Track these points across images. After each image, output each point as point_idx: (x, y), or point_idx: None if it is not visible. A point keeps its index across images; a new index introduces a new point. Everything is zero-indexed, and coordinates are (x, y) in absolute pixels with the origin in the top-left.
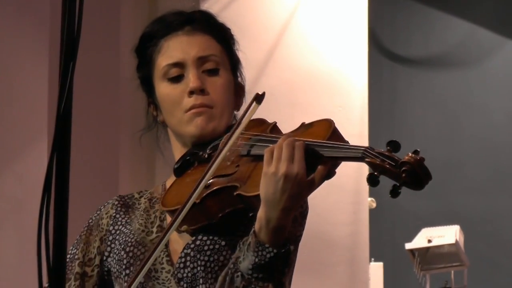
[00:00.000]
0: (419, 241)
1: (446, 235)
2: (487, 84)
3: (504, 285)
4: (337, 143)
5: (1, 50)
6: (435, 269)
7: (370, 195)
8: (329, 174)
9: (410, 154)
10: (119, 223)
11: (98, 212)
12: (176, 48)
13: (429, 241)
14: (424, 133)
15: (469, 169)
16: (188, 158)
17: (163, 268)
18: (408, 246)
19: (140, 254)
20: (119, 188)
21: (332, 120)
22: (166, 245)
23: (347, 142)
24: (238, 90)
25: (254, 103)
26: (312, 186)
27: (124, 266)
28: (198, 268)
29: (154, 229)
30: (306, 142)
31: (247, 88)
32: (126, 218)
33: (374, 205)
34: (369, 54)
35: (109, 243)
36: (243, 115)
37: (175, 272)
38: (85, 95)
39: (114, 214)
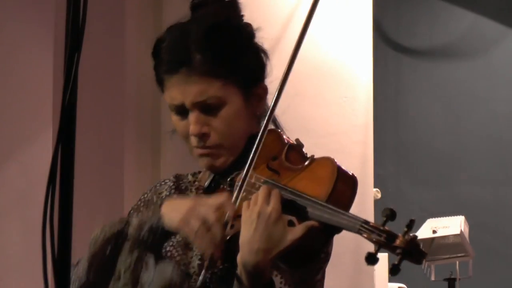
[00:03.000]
0: (424, 231)
1: (451, 225)
2: (492, 75)
3: (509, 275)
4: (333, 209)
5: (6, 41)
6: (440, 260)
7: (375, 185)
8: (318, 237)
9: (400, 238)
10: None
11: (154, 189)
12: (175, 91)
13: (434, 231)
14: (428, 123)
15: (474, 160)
16: (216, 177)
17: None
18: None
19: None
20: (124, 179)
21: (335, 165)
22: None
23: (354, 180)
24: (255, 99)
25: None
26: (293, 236)
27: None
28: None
29: None
30: (286, 189)
31: None
32: None
33: (379, 195)
34: (374, 44)
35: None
36: (252, 156)
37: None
38: (90, 86)
39: (165, 197)
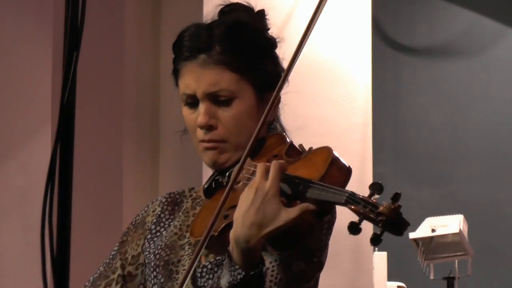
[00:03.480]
0: (423, 230)
1: (450, 224)
2: (491, 73)
3: (508, 274)
4: (322, 185)
5: (5, 40)
6: (439, 259)
7: None
8: (321, 213)
9: (385, 204)
10: (161, 224)
11: (146, 209)
12: (190, 78)
13: (433, 230)
14: (427, 122)
15: (473, 158)
16: (217, 178)
17: (184, 271)
18: (412, 235)
19: (165, 256)
20: (123, 177)
21: (331, 151)
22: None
23: (348, 169)
24: (267, 102)
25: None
26: (288, 216)
27: (151, 269)
28: (211, 280)
29: (187, 234)
30: (287, 175)
31: None
32: (170, 220)
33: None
34: (373, 43)
35: (149, 242)
36: (249, 147)
37: (195, 279)
38: (88, 85)
39: (159, 213)
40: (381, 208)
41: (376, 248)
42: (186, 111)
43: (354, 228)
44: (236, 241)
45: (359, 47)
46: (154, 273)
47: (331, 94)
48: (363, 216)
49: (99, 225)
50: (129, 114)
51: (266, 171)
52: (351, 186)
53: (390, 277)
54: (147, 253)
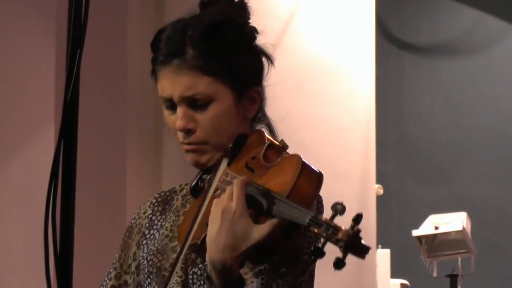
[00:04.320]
0: (426, 228)
1: (453, 222)
2: (494, 71)
3: (511, 271)
4: (288, 203)
5: (8, 38)
6: (442, 256)
7: (377, 182)
8: (289, 225)
9: (343, 231)
10: (154, 226)
11: (138, 211)
12: (166, 83)
13: (436, 228)
14: (431, 120)
15: (476, 156)
16: (203, 176)
17: (176, 273)
18: (415, 233)
19: (157, 262)
20: (126, 175)
21: (300, 160)
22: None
23: (319, 176)
24: (248, 101)
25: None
26: (259, 233)
27: (146, 275)
28: (203, 286)
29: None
30: (251, 184)
31: None
32: (161, 221)
33: (381, 192)
34: (376, 41)
35: (143, 247)
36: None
37: (187, 284)
38: (92, 83)
39: (150, 216)
40: (339, 234)
41: (380, 246)
42: (166, 112)
43: (317, 252)
44: (212, 264)
45: (362, 45)
46: (148, 280)
47: (335, 92)
48: (325, 240)
49: (102, 223)
50: (132, 113)
51: (232, 193)
52: (355, 184)
53: (393, 275)
54: (141, 258)
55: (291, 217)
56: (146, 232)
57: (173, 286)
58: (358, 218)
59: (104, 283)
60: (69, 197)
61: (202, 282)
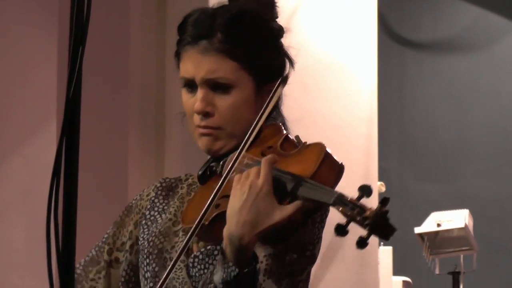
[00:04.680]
0: (428, 225)
1: (455, 219)
2: (496, 68)
3: None
4: (313, 183)
5: (10, 34)
6: (444, 253)
7: (379, 179)
8: (310, 211)
9: (372, 209)
10: (156, 208)
11: (141, 193)
12: (190, 64)
13: (438, 225)
14: (433, 117)
15: (478, 153)
16: (212, 165)
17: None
18: (417, 230)
19: (159, 244)
20: (128, 172)
21: (324, 147)
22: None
23: (341, 167)
24: (266, 95)
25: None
26: (282, 214)
27: (145, 256)
28: (205, 270)
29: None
30: (278, 170)
31: None
32: (164, 204)
33: (383, 189)
34: (378, 38)
35: (142, 228)
36: (247, 138)
37: (188, 267)
38: (94, 79)
39: (153, 198)
40: (367, 213)
41: (382, 243)
42: (185, 94)
43: (340, 230)
44: (230, 238)
45: (364, 41)
46: (147, 260)
47: (337, 89)
48: (350, 219)
49: (104, 220)
50: (134, 110)
51: (259, 170)
52: (357, 181)
53: (396, 272)
54: (141, 239)
55: (316, 196)
56: (147, 213)
57: (176, 271)
58: (385, 201)
59: (90, 255)
60: (71, 193)
61: (202, 266)
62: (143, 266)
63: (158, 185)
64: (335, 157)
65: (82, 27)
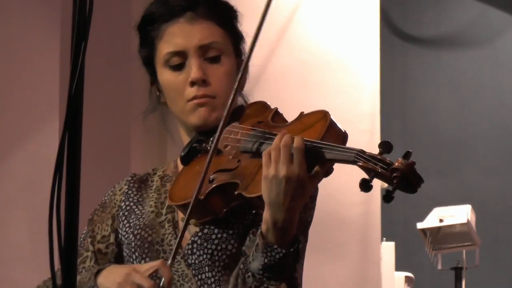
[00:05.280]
0: (431, 220)
1: (458, 214)
2: (498, 64)
3: None
4: (331, 145)
5: (13, 31)
6: (447, 249)
7: None
8: (328, 172)
9: (400, 160)
10: (130, 199)
11: (112, 189)
12: (178, 36)
13: (441, 220)
14: (435, 112)
15: (481, 149)
16: (194, 145)
17: (171, 250)
18: (420, 225)
19: (147, 236)
20: (130, 167)
21: (328, 113)
22: (176, 230)
23: (345, 134)
24: (240, 64)
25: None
26: (313, 184)
27: (132, 250)
28: (204, 256)
29: (164, 211)
30: (305, 143)
31: (259, 68)
32: (138, 196)
33: (385, 184)
34: (380, 33)
35: (120, 220)
36: (226, 114)
37: (185, 257)
38: (96, 76)
39: (126, 190)
40: (396, 164)
41: (384, 238)
42: (170, 74)
43: (365, 185)
44: (274, 223)
45: (367, 37)
46: (136, 253)
47: (339, 84)
48: (374, 173)
49: None
50: (137, 105)
51: (291, 156)
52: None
53: (398, 267)
54: (124, 232)
55: (338, 156)
56: (122, 204)
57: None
58: (407, 154)
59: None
60: (74, 189)
61: (201, 252)
62: (131, 259)
63: (129, 178)
64: (339, 125)
65: (84, 22)
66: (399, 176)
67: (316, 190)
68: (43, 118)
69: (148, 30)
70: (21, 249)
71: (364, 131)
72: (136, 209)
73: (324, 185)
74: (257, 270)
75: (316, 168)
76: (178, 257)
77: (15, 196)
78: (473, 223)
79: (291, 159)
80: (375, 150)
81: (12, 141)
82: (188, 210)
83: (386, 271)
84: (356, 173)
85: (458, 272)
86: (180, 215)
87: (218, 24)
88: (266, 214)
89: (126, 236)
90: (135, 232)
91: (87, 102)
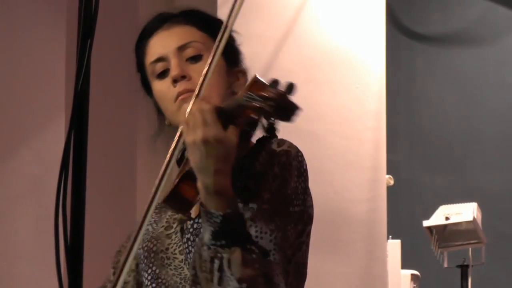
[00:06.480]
0: (437, 218)
1: (464, 212)
2: (505, 61)
3: None
4: (237, 98)
5: (18, 28)
6: (453, 247)
7: (388, 172)
8: (250, 125)
9: (271, 89)
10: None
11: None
12: (157, 45)
13: (447, 218)
14: (441, 110)
15: (487, 146)
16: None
17: (175, 257)
18: (426, 223)
19: (152, 246)
20: (137, 164)
21: (256, 75)
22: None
23: (265, 85)
24: (234, 75)
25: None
26: (232, 141)
27: (141, 262)
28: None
29: (174, 224)
30: (215, 105)
31: (266, 65)
32: (155, 217)
33: (392, 182)
34: (386, 31)
35: (141, 246)
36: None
37: (187, 260)
38: (102, 73)
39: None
40: (268, 94)
41: (390, 236)
42: (159, 84)
43: (254, 125)
44: (207, 188)
45: (373, 35)
46: (143, 264)
47: (345, 82)
48: (259, 111)
49: (112, 213)
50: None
51: (205, 118)
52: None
53: (404, 265)
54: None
55: (234, 107)
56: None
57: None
58: (291, 87)
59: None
60: (80, 187)
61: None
62: (142, 272)
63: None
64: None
65: (90, 20)
66: (273, 105)
67: (288, 157)
68: (49, 116)
69: (137, 52)
70: (28, 247)
71: (370, 128)
72: (150, 228)
73: (330, 182)
74: (209, 240)
75: (232, 125)
76: (181, 263)
77: (21, 194)
78: (479, 220)
79: (205, 121)
80: (382, 148)
81: (18, 139)
82: (152, 193)
83: (392, 268)
84: (362, 170)
85: (464, 270)
86: (187, 224)
87: (198, 27)
88: (198, 182)
89: (138, 252)
90: (143, 245)
91: (93, 100)
